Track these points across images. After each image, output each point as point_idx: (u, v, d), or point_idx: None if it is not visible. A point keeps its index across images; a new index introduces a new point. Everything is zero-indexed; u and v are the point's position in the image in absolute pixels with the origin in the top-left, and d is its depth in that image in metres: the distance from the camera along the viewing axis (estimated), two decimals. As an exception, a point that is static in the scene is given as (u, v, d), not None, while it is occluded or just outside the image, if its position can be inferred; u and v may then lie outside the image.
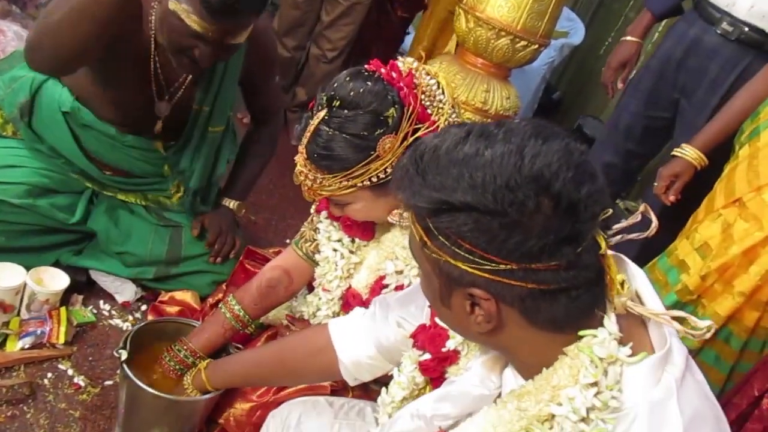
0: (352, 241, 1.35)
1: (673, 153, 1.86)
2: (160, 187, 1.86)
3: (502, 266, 0.67)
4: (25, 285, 1.57)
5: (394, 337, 1.06)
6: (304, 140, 1.15)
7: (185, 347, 1.37)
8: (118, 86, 1.62)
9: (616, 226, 0.76)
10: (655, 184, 1.87)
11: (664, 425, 0.67)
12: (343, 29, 2.88)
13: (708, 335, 0.69)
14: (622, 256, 0.80)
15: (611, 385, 0.69)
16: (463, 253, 0.68)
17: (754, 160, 1.51)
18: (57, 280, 1.63)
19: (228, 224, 1.90)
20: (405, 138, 1.12)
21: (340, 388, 1.35)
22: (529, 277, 0.67)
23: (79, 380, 1.51)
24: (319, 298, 1.43)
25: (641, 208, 0.78)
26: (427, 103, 1.16)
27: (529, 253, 0.66)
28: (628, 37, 2.30)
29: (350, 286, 1.34)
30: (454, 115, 1.19)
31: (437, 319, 0.92)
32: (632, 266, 0.79)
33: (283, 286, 1.44)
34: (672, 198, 1.83)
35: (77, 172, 1.74)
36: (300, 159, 1.18)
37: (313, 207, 1.43)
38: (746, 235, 1.45)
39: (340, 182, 1.15)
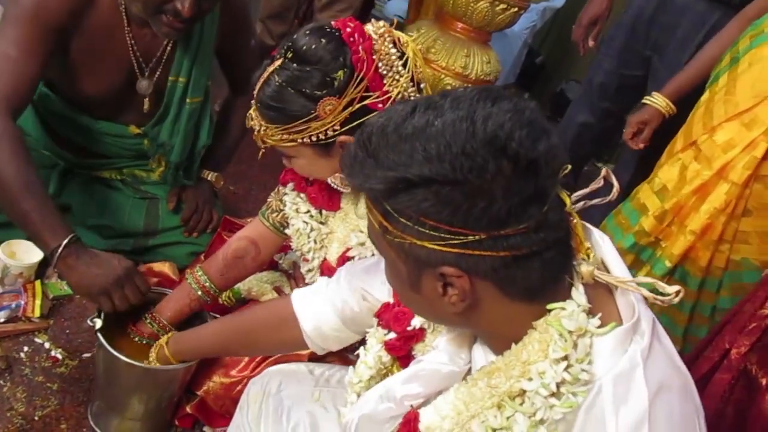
0: (320, 212, 1.34)
1: (643, 101, 1.90)
2: (135, 164, 1.83)
3: (471, 237, 0.65)
4: (-3, 259, 1.54)
5: (359, 308, 1.05)
6: (257, 86, 1.15)
7: (153, 319, 1.37)
8: (96, 73, 1.59)
9: (578, 193, 0.74)
10: (624, 130, 1.90)
11: (630, 396, 0.67)
12: (339, 16, 2.75)
13: (676, 300, 0.68)
14: (586, 224, 0.79)
15: (581, 357, 0.69)
16: (427, 231, 0.66)
17: (711, 103, 1.54)
18: (31, 253, 1.60)
19: (205, 198, 1.87)
20: (350, 104, 1.09)
21: (318, 358, 1.35)
22: (499, 245, 0.65)
23: (57, 353, 1.50)
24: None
25: (603, 172, 0.76)
26: (384, 72, 1.12)
27: (497, 219, 0.64)
28: None
29: (325, 259, 1.34)
30: (411, 89, 1.14)
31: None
32: (597, 233, 0.78)
33: (251, 257, 1.43)
34: (640, 144, 1.87)
35: (49, 149, 1.71)
36: (253, 103, 1.17)
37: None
38: (696, 175, 1.49)
39: (281, 135, 1.14)
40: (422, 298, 0.74)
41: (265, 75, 1.13)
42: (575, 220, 0.71)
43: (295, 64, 1.09)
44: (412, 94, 1.14)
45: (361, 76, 1.08)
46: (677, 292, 0.67)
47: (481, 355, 0.81)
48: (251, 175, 2.51)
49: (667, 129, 1.81)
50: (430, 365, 0.84)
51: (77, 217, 1.74)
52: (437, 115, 0.65)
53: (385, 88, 1.11)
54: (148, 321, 1.37)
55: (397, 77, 1.12)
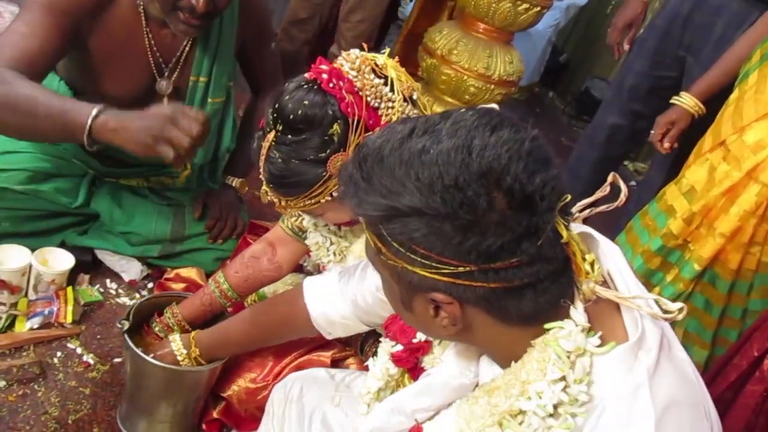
0: (339, 227, 1.35)
1: (672, 101, 1.87)
2: (161, 172, 1.86)
3: (461, 269, 0.64)
4: (30, 266, 1.58)
5: (372, 299, 1.05)
6: (260, 164, 1.14)
7: (173, 314, 1.40)
8: (116, 73, 1.62)
9: (583, 201, 0.72)
10: (652, 132, 1.88)
11: (635, 416, 0.65)
12: (358, 26, 2.68)
13: (680, 317, 0.66)
14: (593, 233, 0.77)
15: (580, 378, 0.67)
16: (419, 259, 0.65)
17: (741, 101, 1.51)
18: (62, 260, 1.64)
19: (229, 205, 1.90)
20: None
21: (340, 359, 1.37)
22: (490, 277, 0.65)
23: (88, 358, 1.54)
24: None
25: (610, 178, 0.73)
26: (376, 104, 1.09)
27: (488, 253, 0.63)
28: None
29: None
30: (408, 107, 1.12)
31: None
32: (605, 244, 0.77)
33: (266, 258, 1.45)
34: (667, 145, 1.84)
35: (78, 158, 1.75)
36: (263, 181, 1.16)
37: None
38: (726, 177, 1.46)
39: (304, 202, 1.13)
40: (415, 317, 0.74)
41: (264, 152, 1.11)
42: (574, 247, 0.69)
43: (289, 135, 1.08)
44: (410, 112, 1.12)
45: (356, 120, 1.06)
46: (680, 310, 0.65)
47: (488, 366, 0.80)
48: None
49: (699, 129, 1.79)
50: (439, 378, 0.84)
51: (106, 224, 1.78)
52: (434, 141, 0.64)
53: (384, 120, 1.09)
54: (167, 314, 1.41)
55: (390, 104, 1.10)
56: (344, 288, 1.10)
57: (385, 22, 3.24)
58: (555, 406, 0.68)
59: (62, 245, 1.71)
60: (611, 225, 2.30)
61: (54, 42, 1.44)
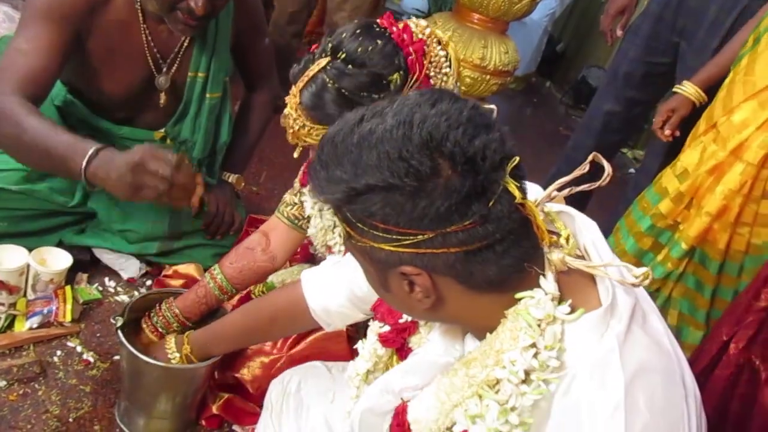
0: None
1: (674, 89, 1.88)
2: None
3: (420, 237, 0.67)
4: (28, 266, 1.58)
5: (366, 286, 1.06)
6: (300, 83, 1.13)
7: (169, 307, 1.40)
8: (114, 70, 1.62)
9: (562, 180, 0.73)
10: (653, 119, 1.89)
11: (605, 381, 0.66)
12: (353, 14, 2.65)
13: (646, 282, 0.68)
14: (569, 210, 0.79)
15: (550, 344, 0.69)
16: (381, 234, 0.69)
17: (732, 84, 1.52)
18: (60, 259, 1.64)
19: (226, 201, 1.90)
20: None
21: (354, 331, 1.40)
22: (448, 242, 0.67)
23: (88, 356, 1.54)
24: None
25: (590, 157, 0.74)
26: (432, 74, 1.12)
27: (439, 217, 0.66)
28: None
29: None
30: (455, 89, 1.15)
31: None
32: (581, 219, 0.79)
33: (260, 248, 1.45)
34: (668, 132, 1.85)
35: None
36: (291, 101, 1.15)
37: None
38: (711, 156, 1.47)
39: None
40: (394, 297, 0.77)
41: (310, 73, 1.11)
42: (531, 209, 0.70)
43: (350, 66, 1.08)
44: (456, 92, 1.14)
45: (414, 78, 1.09)
46: (644, 274, 0.67)
47: (472, 344, 0.82)
48: (274, 174, 2.53)
49: (698, 116, 1.79)
50: (426, 357, 0.85)
51: (103, 223, 1.78)
52: (380, 122, 0.68)
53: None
54: (164, 307, 1.40)
55: (444, 79, 1.13)
56: (340, 277, 1.12)
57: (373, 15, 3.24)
58: (527, 373, 0.70)
59: (60, 244, 1.72)
60: (613, 212, 2.30)
61: (57, 54, 1.46)
